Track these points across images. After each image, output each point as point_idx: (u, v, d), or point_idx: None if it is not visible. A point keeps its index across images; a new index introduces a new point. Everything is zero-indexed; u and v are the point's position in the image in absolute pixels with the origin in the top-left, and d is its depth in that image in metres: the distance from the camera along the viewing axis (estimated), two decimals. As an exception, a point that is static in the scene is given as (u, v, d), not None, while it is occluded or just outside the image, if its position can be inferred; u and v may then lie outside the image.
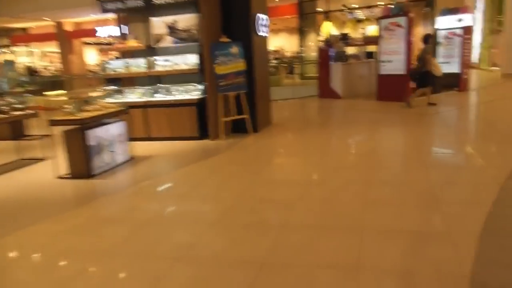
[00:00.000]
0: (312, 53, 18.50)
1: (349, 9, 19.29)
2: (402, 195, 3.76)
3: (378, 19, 9.85)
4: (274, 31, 34.67)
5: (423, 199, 3.61)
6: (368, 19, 23.17)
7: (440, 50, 11.30)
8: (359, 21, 23.51)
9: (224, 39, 6.78)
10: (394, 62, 9.60)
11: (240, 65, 6.89)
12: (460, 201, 3.56)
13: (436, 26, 11.41)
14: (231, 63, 6.81)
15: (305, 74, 19.68)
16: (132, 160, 5.79)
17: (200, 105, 6.84)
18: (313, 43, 19.81)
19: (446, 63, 10.99)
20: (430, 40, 8.97)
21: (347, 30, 20.99)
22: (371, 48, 12.02)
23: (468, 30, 10.65)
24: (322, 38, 11.57)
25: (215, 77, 6.69)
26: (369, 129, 7.10)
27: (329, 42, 11.29)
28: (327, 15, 19.35)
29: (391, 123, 7.66)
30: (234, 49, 6.81)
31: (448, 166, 4.68)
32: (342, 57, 11.07)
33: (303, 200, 3.80)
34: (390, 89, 9.76)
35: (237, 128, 7.26)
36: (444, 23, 11.14)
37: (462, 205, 3.44)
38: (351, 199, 3.75)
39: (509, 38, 13.59)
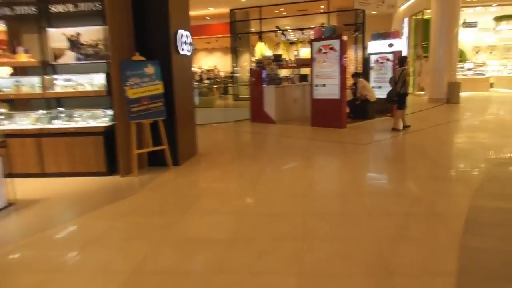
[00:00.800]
0: (246, 73, 17.97)
1: (281, 30, 19.12)
2: (347, 262, 2.99)
3: (310, 41, 9.42)
4: (208, 49, 34.09)
5: (372, 267, 2.86)
6: (301, 41, 23.31)
7: (372, 75, 11.18)
8: (292, 43, 23.61)
9: (138, 57, 5.77)
10: (328, 86, 9.17)
11: (157, 87, 5.90)
12: (417, 272, 2.86)
13: (368, 51, 11.30)
14: (146, 85, 5.80)
15: (240, 96, 19.06)
16: (10, 206, 4.51)
17: (108, 134, 5.72)
18: (248, 63, 19.33)
19: (378, 88, 10.88)
20: (406, 62, 8.72)
21: (280, 52, 20.86)
22: (305, 70, 11.63)
23: (397, 54, 10.62)
24: (256, 59, 10.92)
25: (126, 101, 5.63)
26: (305, 162, 6.42)
27: (262, 63, 10.69)
28: (261, 36, 19.00)
29: (328, 154, 7.06)
30: (150, 69, 5.82)
31: (399, 215, 4.04)
32: (275, 80, 10.50)
33: (223, 271, 2.88)
34: (325, 115, 9.29)
35: (155, 161, 6.21)
36: (375, 47, 11.06)
37: (417, 277, 2.74)
38: (284, 267, 2.90)
39: (434, 63, 14.01)
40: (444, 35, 13.68)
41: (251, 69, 11.12)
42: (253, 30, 19.62)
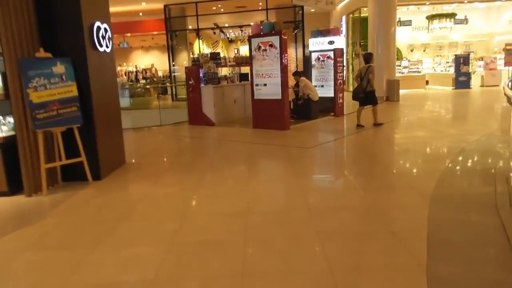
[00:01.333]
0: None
1: (219, 28, 18.43)
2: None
3: (249, 38, 8.85)
4: (145, 48, 32.52)
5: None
6: (241, 40, 22.79)
7: (314, 73, 10.87)
8: (231, 41, 22.99)
9: (43, 53, 4.83)
10: (269, 86, 8.65)
11: (69, 89, 4.99)
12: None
13: (308, 49, 10.97)
14: (55, 87, 4.87)
15: (179, 96, 18.10)
16: None
17: (8, 146, 4.73)
18: (187, 62, 18.41)
19: (320, 87, 10.57)
20: (372, 59, 8.53)
21: (220, 50, 20.14)
22: (246, 69, 11.05)
23: (339, 52, 10.38)
24: (192, 56, 10.15)
25: (30, 106, 4.68)
26: (247, 172, 5.82)
27: (198, 61, 9.94)
28: (198, 33, 18.18)
29: (271, 160, 6.52)
30: (59, 68, 4.90)
31: (352, 236, 3.55)
32: (213, 79, 9.81)
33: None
34: (267, 116, 8.77)
35: (71, 175, 5.30)
36: (316, 45, 10.75)
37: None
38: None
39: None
40: (381, 34, 13.77)
41: (186, 68, 10.33)
42: (190, 27, 18.73)
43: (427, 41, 20.30)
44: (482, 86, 17.59)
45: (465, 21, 18.93)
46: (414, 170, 5.47)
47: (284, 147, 7.11)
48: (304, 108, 9.70)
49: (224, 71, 13.07)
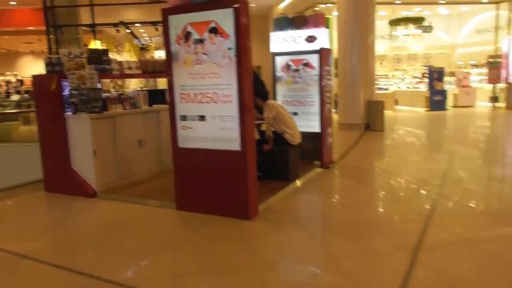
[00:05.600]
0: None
1: (125, 24, 13.23)
2: None
3: (163, 15, 4.02)
4: (36, 53, 25.71)
5: None
6: (157, 48, 17.59)
7: (280, 91, 6.33)
8: (143, 49, 17.67)
9: None
10: (211, 121, 3.93)
11: None
12: None
13: (271, 49, 6.40)
14: None
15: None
16: None
17: None
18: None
19: (293, 114, 6.02)
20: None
21: (128, 57, 14.80)
22: (162, 83, 6.14)
23: (325, 56, 5.99)
24: (48, 56, 4.98)
25: None
26: None
27: (59, 65, 4.85)
28: (94, 32, 12.82)
29: None
30: None
31: None
32: (92, 102, 4.81)
33: None
34: (209, 185, 4.02)
35: None
36: (283, 43, 6.24)
37: None
38: None
39: (345, 76, 9.97)
40: (357, 40, 9.75)
41: (34, 77, 5.14)
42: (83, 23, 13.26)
43: (383, 51, 17.00)
44: (455, 106, 14.53)
45: (429, 28, 15.91)
46: None
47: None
48: (275, 159, 5.06)
49: (116, 86, 8.13)
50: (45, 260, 3.14)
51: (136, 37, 15.78)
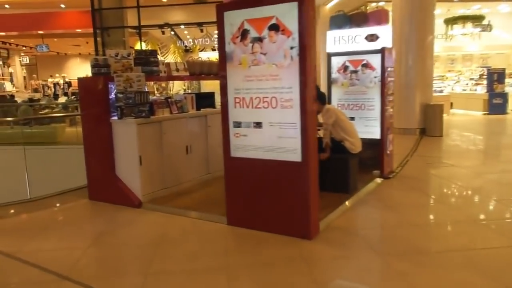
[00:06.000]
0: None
1: (170, 26, 13.13)
2: None
3: (218, 10, 3.64)
4: (83, 56, 26.49)
5: None
6: (201, 49, 17.52)
7: (336, 95, 5.83)
8: (188, 50, 17.71)
9: None
10: (268, 129, 3.52)
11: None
12: None
13: (326, 50, 5.92)
14: None
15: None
16: None
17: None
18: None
19: (350, 119, 5.49)
20: None
21: (171, 59, 14.74)
22: (210, 85, 5.83)
23: (388, 55, 5.43)
24: (94, 57, 4.77)
25: None
26: None
27: (106, 67, 4.62)
28: (140, 34, 12.82)
29: None
30: None
31: None
32: (139, 106, 4.53)
33: None
34: (264, 201, 3.61)
35: None
36: (341, 42, 5.73)
37: None
38: None
39: (400, 78, 9.29)
40: (413, 42, 9.06)
41: (80, 80, 4.94)
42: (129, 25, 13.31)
43: (436, 51, 15.96)
44: (516, 110, 13.36)
45: (488, 27, 14.77)
46: None
47: None
48: (333, 169, 4.57)
49: (161, 89, 7.96)
50: (88, 284, 2.83)
51: (180, 39, 15.75)
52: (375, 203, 4.50)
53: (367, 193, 4.75)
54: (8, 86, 20.83)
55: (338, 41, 5.73)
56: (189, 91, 11.18)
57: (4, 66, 21.92)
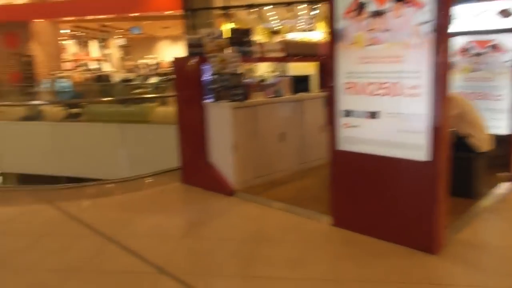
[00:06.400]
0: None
1: (257, 5, 12.76)
2: None
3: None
4: (172, 37, 27.44)
5: None
6: (290, 30, 16.93)
7: (457, 80, 5.03)
8: (275, 32, 17.32)
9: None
10: (387, 119, 2.99)
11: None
12: None
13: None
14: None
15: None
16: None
17: None
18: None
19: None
20: None
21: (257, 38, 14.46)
22: (304, 68, 5.38)
23: (524, 36, 4.51)
24: (189, 37, 4.57)
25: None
26: None
27: (201, 48, 4.38)
28: (227, 14, 12.68)
29: None
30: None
31: None
32: (234, 88, 4.25)
33: None
34: (378, 204, 3.11)
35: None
36: (466, 19, 4.90)
37: None
38: None
39: None
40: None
41: (175, 61, 4.77)
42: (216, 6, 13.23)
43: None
44: None
45: None
46: None
47: None
48: (454, 170, 3.89)
49: (254, 71, 7.69)
50: (186, 281, 2.61)
51: (266, 20, 15.38)
52: (508, 213, 3.75)
53: (496, 200, 4.00)
54: (106, 67, 22.29)
55: (461, 17, 4.89)
56: (278, 74, 10.83)
57: (103, 48, 23.52)
